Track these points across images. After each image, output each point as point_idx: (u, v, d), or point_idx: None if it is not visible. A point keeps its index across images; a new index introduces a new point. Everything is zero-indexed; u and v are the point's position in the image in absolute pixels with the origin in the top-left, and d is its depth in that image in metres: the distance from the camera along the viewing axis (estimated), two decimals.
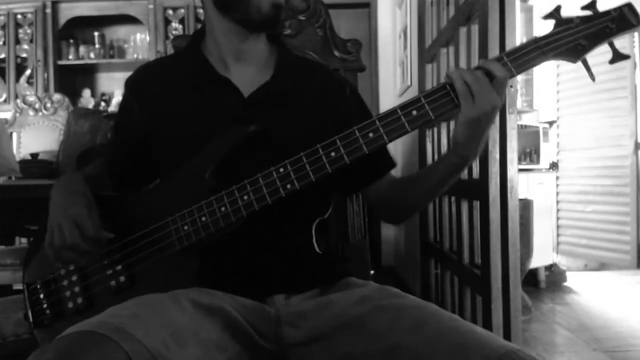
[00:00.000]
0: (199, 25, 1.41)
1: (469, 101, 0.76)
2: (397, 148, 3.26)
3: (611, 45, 0.77)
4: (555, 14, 0.77)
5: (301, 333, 0.81)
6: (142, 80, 0.99)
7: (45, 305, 0.90)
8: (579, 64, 0.78)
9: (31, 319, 0.91)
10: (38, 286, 0.91)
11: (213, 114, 0.90)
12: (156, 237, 0.84)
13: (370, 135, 0.78)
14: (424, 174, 0.95)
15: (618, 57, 0.77)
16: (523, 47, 0.77)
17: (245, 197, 0.80)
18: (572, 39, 0.76)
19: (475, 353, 0.66)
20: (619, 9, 0.75)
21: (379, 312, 0.78)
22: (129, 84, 0.99)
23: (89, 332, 0.62)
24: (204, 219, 0.81)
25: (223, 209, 0.81)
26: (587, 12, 0.76)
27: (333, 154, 0.78)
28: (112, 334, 0.61)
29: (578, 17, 0.76)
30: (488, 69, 0.76)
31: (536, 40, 0.77)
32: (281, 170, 0.79)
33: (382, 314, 0.77)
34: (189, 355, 0.66)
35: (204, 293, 0.79)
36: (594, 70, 0.79)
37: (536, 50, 0.76)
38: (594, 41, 0.76)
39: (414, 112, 0.77)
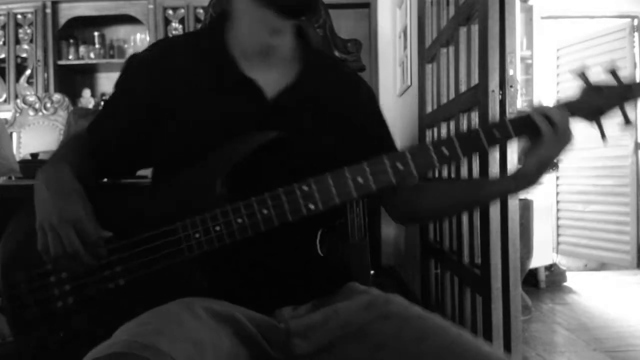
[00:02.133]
0: (199, 26, 1.38)
1: (552, 138, 0.79)
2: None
3: (622, 109, 0.84)
4: (585, 79, 0.84)
5: (310, 344, 0.80)
6: (154, 61, 0.88)
7: (27, 304, 0.81)
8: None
9: (11, 318, 0.83)
10: (18, 280, 0.81)
11: (233, 116, 0.84)
12: (163, 242, 0.78)
13: (399, 166, 0.78)
14: (466, 189, 0.95)
15: (627, 122, 0.84)
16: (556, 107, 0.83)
17: (265, 212, 0.77)
18: (597, 105, 0.83)
19: None
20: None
21: (384, 320, 0.77)
22: (140, 62, 0.89)
23: (123, 353, 0.60)
24: (218, 228, 0.77)
25: (240, 220, 0.77)
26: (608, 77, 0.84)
27: (360, 179, 0.77)
28: (145, 353, 0.60)
29: (606, 87, 0.83)
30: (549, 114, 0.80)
31: (568, 103, 0.83)
32: (305, 188, 0.77)
33: (387, 322, 0.77)
34: None
35: (215, 302, 0.77)
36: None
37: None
38: (610, 106, 0.83)
39: (445, 150, 0.79)
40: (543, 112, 0.80)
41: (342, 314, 0.81)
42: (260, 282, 0.84)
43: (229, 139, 0.81)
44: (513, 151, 1.43)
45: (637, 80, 0.83)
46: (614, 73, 0.83)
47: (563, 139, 0.80)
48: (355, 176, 0.77)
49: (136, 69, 0.90)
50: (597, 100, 0.82)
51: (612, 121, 0.84)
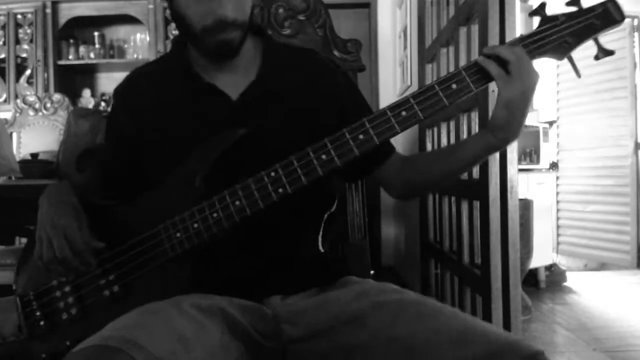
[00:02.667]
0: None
1: (506, 80, 0.75)
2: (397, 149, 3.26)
3: (596, 41, 0.77)
4: (540, 11, 0.77)
5: (300, 329, 0.81)
6: (130, 90, 0.97)
7: (39, 317, 0.88)
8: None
9: (25, 331, 0.89)
10: (31, 298, 0.89)
11: (202, 121, 0.89)
12: (148, 245, 0.83)
13: (361, 137, 0.78)
14: (450, 154, 0.91)
15: (603, 52, 0.77)
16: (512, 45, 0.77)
17: (237, 203, 0.79)
18: (558, 37, 0.76)
19: (478, 343, 0.68)
20: (604, 5, 0.75)
21: (378, 308, 0.77)
22: (118, 94, 0.98)
23: (101, 346, 0.62)
24: (196, 225, 0.80)
25: (215, 215, 0.79)
26: (572, 8, 0.76)
27: (324, 156, 0.78)
28: (123, 346, 0.61)
29: (563, 15, 0.76)
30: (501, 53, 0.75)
31: (522, 39, 0.77)
32: (272, 174, 0.78)
33: (381, 311, 0.77)
34: None
35: (203, 297, 0.79)
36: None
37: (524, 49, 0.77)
38: (579, 38, 0.76)
39: (403, 113, 0.77)
40: (490, 52, 0.76)
41: (335, 302, 0.81)
42: (249, 271, 0.86)
43: (200, 140, 0.84)
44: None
45: (598, 2, 0.75)
46: (574, 2, 0.76)
47: (519, 76, 0.74)
48: (319, 154, 0.78)
49: (116, 99, 0.99)
50: (557, 33, 0.76)
51: (586, 53, 0.77)
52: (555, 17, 0.76)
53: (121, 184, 0.98)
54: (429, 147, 2.36)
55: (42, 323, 0.87)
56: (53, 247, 0.81)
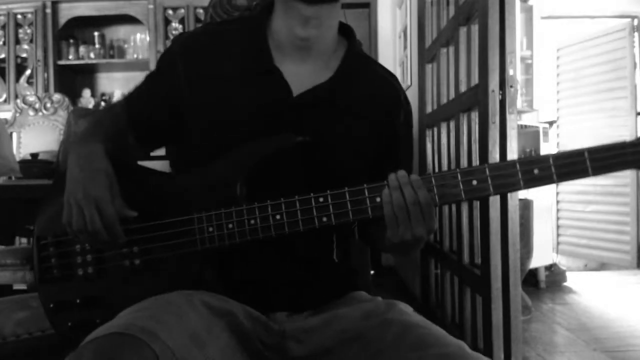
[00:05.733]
0: (199, 26, 1.38)
1: (394, 227, 0.74)
2: None
3: None
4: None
5: (305, 348, 0.80)
6: (197, 44, 0.89)
7: (53, 265, 0.86)
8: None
9: (37, 274, 0.88)
10: (50, 242, 0.87)
11: (257, 106, 0.83)
12: (180, 231, 0.81)
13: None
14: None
15: None
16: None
17: (278, 217, 0.77)
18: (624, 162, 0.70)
19: None
20: None
21: (383, 328, 0.76)
22: (183, 42, 0.89)
23: (122, 334, 0.61)
24: (230, 226, 0.78)
25: (252, 222, 0.77)
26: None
27: (378, 199, 0.75)
28: (143, 336, 0.61)
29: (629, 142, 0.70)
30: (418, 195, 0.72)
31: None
32: (321, 200, 0.76)
33: (386, 331, 0.76)
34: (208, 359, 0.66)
35: (215, 297, 0.78)
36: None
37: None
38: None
39: (474, 182, 0.73)
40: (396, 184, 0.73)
41: (341, 321, 0.80)
42: (258, 284, 0.84)
43: (250, 124, 0.82)
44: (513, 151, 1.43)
45: None
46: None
47: (416, 223, 0.73)
48: (374, 196, 0.75)
49: (179, 46, 0.89)
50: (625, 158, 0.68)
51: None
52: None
53: (148, 133, 0.92)
54: (429, 147, 2.36)
55: (55, 271, 0.86)
56: (84, 217, 0.78)
